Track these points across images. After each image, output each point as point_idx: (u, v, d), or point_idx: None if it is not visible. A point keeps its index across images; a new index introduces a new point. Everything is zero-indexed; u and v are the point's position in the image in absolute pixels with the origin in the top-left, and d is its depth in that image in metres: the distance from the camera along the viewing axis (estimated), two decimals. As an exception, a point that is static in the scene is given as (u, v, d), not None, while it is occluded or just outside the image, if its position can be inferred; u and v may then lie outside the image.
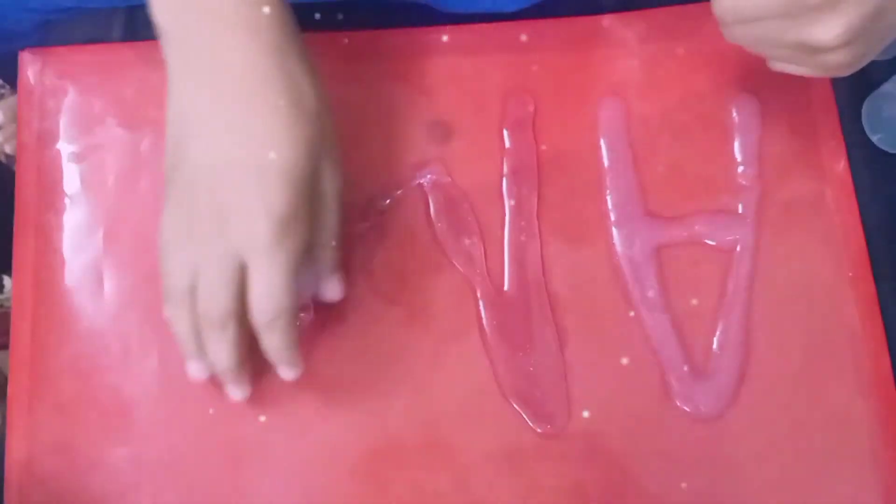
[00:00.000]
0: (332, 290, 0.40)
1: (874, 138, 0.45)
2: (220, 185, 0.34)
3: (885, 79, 0.44)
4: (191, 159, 0.35)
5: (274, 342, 0.37)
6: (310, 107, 0.36)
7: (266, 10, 0.34)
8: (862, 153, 0.45)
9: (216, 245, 0.35)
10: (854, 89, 0.46)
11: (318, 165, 0.36)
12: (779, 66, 0.39)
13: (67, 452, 0.41)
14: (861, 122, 0.46)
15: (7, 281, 0.56)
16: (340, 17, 0.47)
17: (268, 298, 0.36)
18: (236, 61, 0.34)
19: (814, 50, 0.34)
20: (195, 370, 0.39)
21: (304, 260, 0.37)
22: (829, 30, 0.33)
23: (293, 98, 0.35)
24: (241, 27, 0.34)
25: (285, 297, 0.36)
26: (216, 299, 0.36)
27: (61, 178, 0.45)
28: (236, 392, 0.40)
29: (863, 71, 0.44)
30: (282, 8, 0.35)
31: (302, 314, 0.42)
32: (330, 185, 0.37)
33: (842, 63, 0.35)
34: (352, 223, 0.44)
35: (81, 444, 0.42)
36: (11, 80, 0.46)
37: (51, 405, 0.42)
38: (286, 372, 0.39)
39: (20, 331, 0.43)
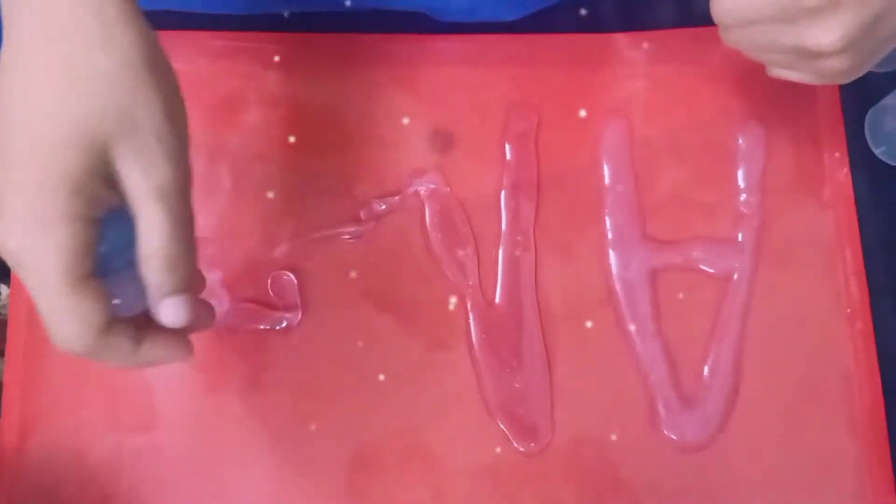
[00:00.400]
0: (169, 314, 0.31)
1: (877, 151, 0.45)
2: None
3: (887, 92, 0.44)
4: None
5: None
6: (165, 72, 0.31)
7: None
8: (865, 166, 0.45)
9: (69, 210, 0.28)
10: (857, 102, 0.46)
11: (182, 128, 0.31)
12: (777, 73, 0.38)
13: (57, 446, 0.41)
14: (864, 135, 0.45)
15: (3, 289, 0.56)
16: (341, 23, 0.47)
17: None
18: (93, 41, 0.29)
19: (811, 55, 0.34)
20: None
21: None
22: (826, 35, 0.33)
23: (151, 69, 0.30)
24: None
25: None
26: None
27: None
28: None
29: (865, 84, 0.44)
30: None
31: (288, 315, 0.42)
32: (143, 180, 0.29)
33: (839, 70, 0.35)
34: (346, 226, 0.44)
35: (70, 437, 0.42)
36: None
37: (45, 405, 0.42)
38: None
39: (16, 338, 0.43)
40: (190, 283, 0.31)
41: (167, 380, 0.42)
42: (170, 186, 0.30)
